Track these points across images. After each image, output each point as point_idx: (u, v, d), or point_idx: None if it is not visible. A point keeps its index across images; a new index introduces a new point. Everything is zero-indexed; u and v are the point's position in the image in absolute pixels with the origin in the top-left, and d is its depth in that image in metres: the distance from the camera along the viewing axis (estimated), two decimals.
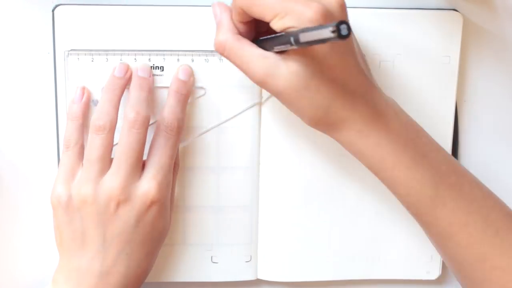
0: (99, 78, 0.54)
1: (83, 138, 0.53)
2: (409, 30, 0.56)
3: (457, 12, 0.56)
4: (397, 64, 0.56)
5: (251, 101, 0.56)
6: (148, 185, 0.51)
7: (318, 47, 0.46)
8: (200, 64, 0.55)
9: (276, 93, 0.48)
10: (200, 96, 0.56)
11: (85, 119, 0.54)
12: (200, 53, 0.55)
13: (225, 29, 0.49)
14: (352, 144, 0.50)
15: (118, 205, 0.50)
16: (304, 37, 0.42)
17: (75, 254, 0.51)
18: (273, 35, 0.47)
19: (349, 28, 0.38)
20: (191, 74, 0.55)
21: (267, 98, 0.56)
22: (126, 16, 0.54)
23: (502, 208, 0.52)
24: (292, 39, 0.43)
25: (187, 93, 0.55)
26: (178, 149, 0.55)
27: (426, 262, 0.60)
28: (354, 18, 0.55)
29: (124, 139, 0.51)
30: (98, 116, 0.51)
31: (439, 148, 0.52)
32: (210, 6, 0.54)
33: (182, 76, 0.54)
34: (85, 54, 0.54)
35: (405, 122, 0.51)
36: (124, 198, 0.50)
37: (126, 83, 0.53)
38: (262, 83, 0.48)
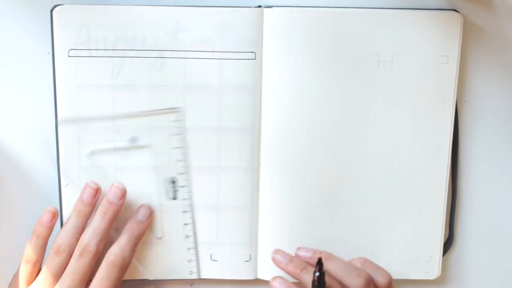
0: (98, 78, 0.54)
1: (42, 257, 0.55)
2: (408, 30, 0.56)
3: (456, 12, 0.56)
4: (396, 64, 0.56)
5: (251, 101, 0.56)
6: None
7: None
8: (200, 64, 0.55)
9: None
10: (200, 96, 0.56)
11: (47, 239, 0.55)
12: (201, 53, 0.55)
13: None
14: None
15: None
16: None
17: None
18: None
19: None
20: (149, 215, 0.57)
21: (267, 98, 0.56)
22: (125, 16, 0.54)
23: None
24: None
25: (141, 233, 0.56)
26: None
27: (425, 262, 0.60)
28: (353, 19, 0.55)
29: (72, 264, 0.54)
30: (61, 240, 0.54)
31: None
32: (209, 6, 0.54)
33: (140, 216, 0.56)
34: (84, 54, 0.54)
35: None
36: None
37: (93, 208, 0.55)
38: None
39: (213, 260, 0.59)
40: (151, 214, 0.57)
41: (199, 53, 0.55)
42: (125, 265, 0.55)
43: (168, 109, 0.56)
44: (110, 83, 0.55)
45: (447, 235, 0.61)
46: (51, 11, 0.54)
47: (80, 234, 0.54)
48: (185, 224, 0.58)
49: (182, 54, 0.55)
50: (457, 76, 0.57)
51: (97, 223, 0.54)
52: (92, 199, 0.55)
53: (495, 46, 0.58)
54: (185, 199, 0.58)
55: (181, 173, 0.57)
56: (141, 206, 0.57)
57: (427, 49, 0.56)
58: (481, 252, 0.62)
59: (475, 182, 0.61)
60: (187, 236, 0.58)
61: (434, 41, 0.56)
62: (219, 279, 0.59)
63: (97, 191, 0.55)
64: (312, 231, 0.59)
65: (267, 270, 0.59)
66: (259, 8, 0.55)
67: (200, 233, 0.58)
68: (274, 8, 0.55)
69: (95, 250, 0.54)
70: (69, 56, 0.54)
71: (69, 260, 0.54)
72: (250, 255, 0.59)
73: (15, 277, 0.55)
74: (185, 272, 0.59)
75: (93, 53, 0.54)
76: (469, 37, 0.57)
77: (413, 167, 0.58)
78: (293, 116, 0.57)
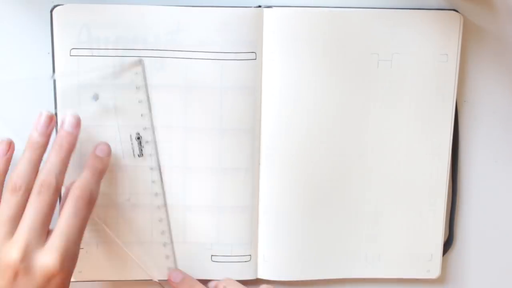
0: (98, 77, 0.55)
1: None
2: (407, 30, 0.56)
3: (456, 12, 0.56)
4: (395, 63, 0.56)
5: (251, 102, 0.56)
6: (50, 256, 0.47)
7: None
8: (201, 65, 0.55)
9: None
10: (200, 96, 0.56)
11: (4, 175, 0.52)
12: (201, 53, 0.55)
13: None
14: None
15: (16, 275, 0.47)
16: None
17: None
18: None
19: None
20: (108, 153, 0.55)
21: (268, 99, 0.56)
22: (125, 16, 0.54)
23: None
24: None
25: (103, 169, 0.54)
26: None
27: (427, 261, 0.60)
28: (352, 18, 0.55)
29: (31, 203, 0.49)
30: (16, 177, 0.49)
31: None
32: (209, 6, 0.55)
33: (99, 152, 0.54)
34: (84, 54, 0.54)
35: None
36: (23, 268, 0.47)
37: (48, 139, 0.51)
38: None
39: (214, 261, 0.59)
40: (109, 152, 0.54)
41: (199, 53, 0.55)
42: (92, 200, 0.51)
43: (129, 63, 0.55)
44: (111, 83, 0.55)
45: (447, 235, 0.61)
46: (51, 11, 0.54)
47: (37, 170, 0.50)
48: (153, 182, 0.57)
49: (183, 54, 0.55)
50: (457, 74, 0.57)
51: (54, 156, 0.50)
52: (47, 128, 0.51)
53: (496, 47, 0.58)
54: (151, 155, 0.57)
55: (145, 128, 0.56)
56: (99, 143, 0.54)
57: (427, 48, 0.56)
58: (481, 252, 0.62)
59: (475, 182, 0.61)
60: (156, 194, 0.57)
61: (433, 40, 0.56)
62: (219, 279, 0.59)
63: (51, 119, 0.51)
64: (312, 231, 0.59)
65: (267, 270, 0.59)
66: (259, 8, 0.55)
67: (200, 233, 0.59)
68: (274, 8, 0.55)
69: (55, 184, 0.49)
70: (70, 56, 0.54)
71: (27, 199, 0.49)
72: (250, 255, 0.59)
73: None
74: (157, 232, 0.58)
75: (94, 52, 0.54)
76: (469, 37, 0.57)
77: (413, 166, 0.58)
78: (293, 116, 0.57)
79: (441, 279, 0.61)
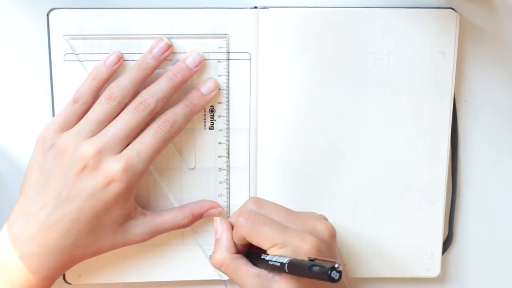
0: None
1: (93, 101, 0.53)
2: (403, 28, 0.56)
3: (452, 10, 0.56)
4: (392, 62, 0.56)
5: (247, 102, 0.57)
6: (115, 163, 0.51)
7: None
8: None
9: None
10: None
11: (105, 84, 0.53)
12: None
13: (224, 248, 0.53)
14: None
15: (84, 168, 0.51)
16: (298, 271, 0.46)
17: (31, 200, 0.52)
18: (268, 258, 0.50)
19: (340, 274, 0.43)
20: (212, 90, 0.55)
21: (264, 99, 0.56)
22: (120, 19, 0.54)
23: None
24: (286, 268, 0.47)
25: (201, 105, 0.55)
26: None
27: (427, 260, 0.60)
28: (348, 18, 0.55)
29: (124, 114, 0.52)
30: (115, 87, 0.52)
31: None
32: (204, 8, 0.55)
33: (204, 89, 0.55)
34: (80, 58, 0.55)
35: None
36: (92, 164, 0.50)
37: (159, 64, 0.53)
38: None
39: None
40: (216, 88, 0.55)
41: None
42: (175, 129, 0.53)
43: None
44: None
45: (446, 234, 0.61)
46: (48, 14, 0.54)
47: (136, 88, 0.52)
48: (219, 157, 0.58)
49: (178, 56, 0.55)
50: (454, 72, 0.57)
51: (164, 82, 0.53)
52: (161, 54, 0.53)
53: (493, 45, 0.58)
54: (221, 129, 0.57)
55: (220, 102, 0.57)
56: (208, 79, 0.55)
57: (423, 46, 0.56)
58: (480, 250, 0.62)
59: (474, 181, 0.61)
60: (220, 169, 0.58)
61: (430, 38, 0.56)
62: (219, 280, 0.60)
63: (168, 47, 0.53)
64: None
65: None
66: (255, 9, 0.55)
67: (200, 234, 0.59)
68: (270, 9, 0.55)
69: (153, 106, 0.52)
70: (64, 61, 0.55)
71: (120, 111, 0.52)
72: None
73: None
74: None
75: (89, 57, 0.55)
76: (466, 35, 0.57)
77: (412, 165, 0.58)
78: (290, 115, 0.57)
79: (441, 277, 0.61)
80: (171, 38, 0.54)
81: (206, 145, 0.57)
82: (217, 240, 0.54)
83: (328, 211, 0.58)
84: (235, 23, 0.55)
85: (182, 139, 0.57)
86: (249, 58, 0.55)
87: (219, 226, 0.55)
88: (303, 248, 0.49)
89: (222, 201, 0.58)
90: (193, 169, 0.57)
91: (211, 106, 0.56)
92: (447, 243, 0.61)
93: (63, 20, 0.54)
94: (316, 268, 0.44)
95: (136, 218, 0.54)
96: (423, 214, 0.59)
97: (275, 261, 0.49)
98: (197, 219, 0.57)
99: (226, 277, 0.58)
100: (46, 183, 0.51)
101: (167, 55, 0.54)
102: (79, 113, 0.53)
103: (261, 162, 0.57)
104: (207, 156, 0.57)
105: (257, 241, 0.51)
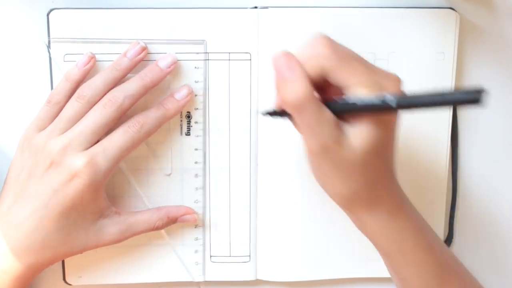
0: None
1: (66, 101, 0.53)
2: (403, 28, 0.56)
3: (452, 10, 0.56)
4: (392, 62, 0.56)
5: (248, 102, 0.57)
6: (80, 159, 0.50)
7: (391, 118, 0.44)
8: (198, 66, 0.55)
9: (333, 162, 0.44)
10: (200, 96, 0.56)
11: (78, 85, 0.53)
12: (198, 55, 0.55)
13: (303, 82, 0.43)
14: (378, 224, 0.48)
15: (51, 164, 0.51)
16: (432, 100, 0.41)
17: (2, 199, 0.52)
18: (354, 100, 0.43)
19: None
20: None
21: (264, 99, 0.56)
22: (120, 20, 0.54)
23: None
24: (394, 103, 0.41)
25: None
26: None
27: None
28: (348, 18, 0.55)
29: (92, 111, 0.52)
30: (87, 86, 0.52)
31: (437, 235, 0.52)
32: (204, 8, 0.55)
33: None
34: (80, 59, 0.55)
35: (414, 208, 0.51)
36: (57, 160, 0.51)
37: (132, 66, 0.53)
38: (324, 149, 0.44)
39: (213, 261, 0.59)
40: (189, 94, 0.55)
41: (194, 55, 0.55)
42: (143, 132, 0.52)
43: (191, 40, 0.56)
44: None
45: (446, 234, 0.61)
46: (48, 15, 0.54)
47: (107, 89, 0.52)
48: (195, 163, 0.57)
49: (178, 57, 0.55)
50: (454, 72, 0.57)
51: (135, 81, 0.53)
52: (136, 56, 0.53)
53: (493, 45, 0.58)
54: (198, 136, 0.57)
55: (196, 108, 0.57)
56: (183, 86, 0.55)
57: (423, 46, 0.56)
58: (480, 250, 0.62)
59: (475, 181, 0.61)
60: (196, 175, 0.58)
61: (430, 38, 0.56)
62: (219, 281, 0.60)
63: (143, 50, 0.54)
64: (312, 231, 0.59)
65: (267, 270, 0.59)
66: (255, 9, 0.55)
67: (199, 234, 0.59)
68: (270, 9, 0.55)
69: (120, 102, 0.51)
70: (64, 61, 0.55)
71: (88, 110, 0.52)
72: (250, 255, 0.59)
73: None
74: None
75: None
76: (466, 35, 0.57)
77: (412, 165, 0.58)
78: None
79: None
80: (171, 37, 0.55)
81: (183, 151, 0.57)
82: (283, 79, 0.43)
83: (328, 210, 0.58)
84: (235, 23, 0.55)
85: (158, 144, 0.57)
86: (249, 58, 0.56)
87: (287, 60, 0.44)
88: (390, 89, 0.43)
89: (198, 208, 0.58)
90: (169, 174, 0.57)
91: (187, 112, 0.56)
92: (447, 243, 0.61)
93: (63, 21, 0.54)
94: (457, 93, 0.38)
95: (109, 217, 0.54)
96: (423, 214, 0.59)
97: (371, 100, 0.42)
98: (171, 223, 0.56)
99: (200, 279, 0.58)
100: (19, 182, 0.52)
101: (142, 57, 0.54)
102: (53, 113, 0.53)
103: (262, 161, 0.57)
104: (184, 162, 0.57)
105: (341, 77, 0.43)
